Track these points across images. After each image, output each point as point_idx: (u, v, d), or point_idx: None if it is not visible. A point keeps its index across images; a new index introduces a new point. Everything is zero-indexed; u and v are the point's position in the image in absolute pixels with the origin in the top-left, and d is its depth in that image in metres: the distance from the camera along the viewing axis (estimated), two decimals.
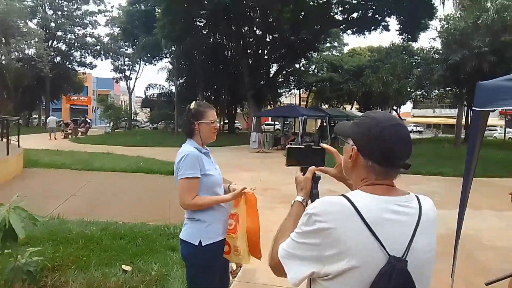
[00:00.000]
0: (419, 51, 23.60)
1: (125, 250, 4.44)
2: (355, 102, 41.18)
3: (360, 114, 21.79)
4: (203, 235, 2.32)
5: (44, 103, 41.18)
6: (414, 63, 25.14)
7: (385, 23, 25.12)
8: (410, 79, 21.54)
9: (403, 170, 1.17)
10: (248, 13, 25.94)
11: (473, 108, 3.05)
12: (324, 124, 22.73)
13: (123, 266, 3.97)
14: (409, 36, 24.98)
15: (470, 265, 4.70)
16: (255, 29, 27.93)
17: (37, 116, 45.15)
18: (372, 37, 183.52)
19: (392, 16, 24.51)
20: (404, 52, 27.15)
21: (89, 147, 19.49)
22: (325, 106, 36.86)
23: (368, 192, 1.13)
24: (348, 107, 41.70)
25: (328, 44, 38.76)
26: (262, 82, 26.36)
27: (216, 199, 2.36)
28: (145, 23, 29.56)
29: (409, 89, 27.25)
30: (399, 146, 1.13)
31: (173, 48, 30.23)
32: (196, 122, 2.37)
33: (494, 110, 3.30)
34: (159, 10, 25.14)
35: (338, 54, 39.79)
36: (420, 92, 29.83)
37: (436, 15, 22.64)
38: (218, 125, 39.68)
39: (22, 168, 9.74)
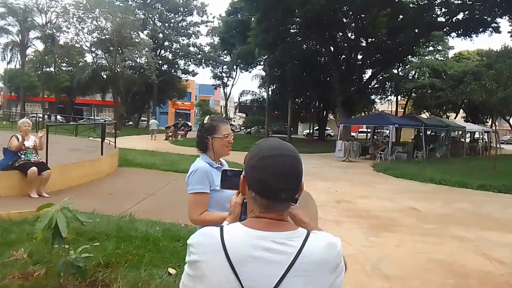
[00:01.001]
0: None
1: (177, 253, 4.63)
2: (461, 110, 37.90)
3: (464, 124, 19.84)
4: None
5: (152, 107, 45.23)
6: None
7: (496, 25, 22.60)
8: None
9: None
10: (341, 18, 25.41)
11: None
12: (421, 134, 21.18)
13: (169, 269, 4.14)
14: None
15: None
16: (348, 33, 27.27)
17: (146, 118, 49.71)
18: (483, 40, 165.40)
19: (504, 16, 21.94)
20: None
21: (184, 149, 20.72)
22: (426, 115, 34.50)
23: (247, 226, 1.06)
24: (452, 115, 38.46)
25: (431, 48, 36.27)
26: (353, 88, 25.55)
27: (224, 215, 2.34)
28: (241, 32, 30.84)
29: None
30: (274, 178, 1.04)
31: (266, 56, 30.97)
32: (209, 136, 2.36)
33: None
34: (253, 19, 25.99)
35: (442, 58, 36.91)
36: None
37: None
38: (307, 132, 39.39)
39: (116, 166, 10.81)
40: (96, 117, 42.61)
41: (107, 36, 35.23)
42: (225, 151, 2.41)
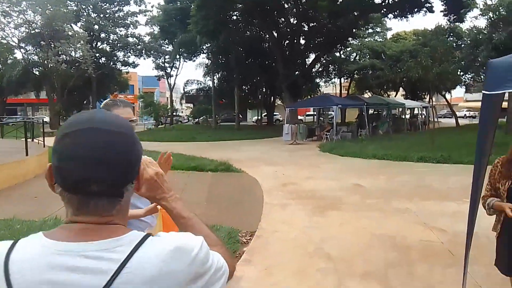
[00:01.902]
0: (467, 31, 21.81)
1: None
2: (401, 88, 39.39)
3: (404, 101, 20.53)
4: None
5: (91, 103, 42.94)
6: (461, 45, 23.39)
7: (429, 4, 23.44)
8: (455, 63, 19.92)
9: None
10: (282, 3, 25.29)
11: (483, 91, 2.55)
12: (363, 113, 21.69)
13: None
14: (455, 17, 23.18)
15: (488, 271, 3.88)
16: (290, 19, 27.25)
17: None
18: (418, 20, 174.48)
19: None
20: (451, 35, 25.34)
21: None
22: (368, 95, 35.56)
23: (50, 236, 0.73)
24: (393, 94, 39.95)
25: (370, 30, 37.30)
26: (297, 73, 25.67)
27: (135, 213, 1.96)
28: (182, 20, 29.80)
29: (459, 73, 25.40)
30: (77, 163, 0.72)
31: (209, 44, 30.29)
32: None
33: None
34: (193, 6, 25.17)
35: (381, 39, 38.10)
36: (470, 76, 27.77)
37: None
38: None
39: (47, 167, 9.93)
40: (32, 117, 39.81)
41: (36, 30, 32.78)
42: None
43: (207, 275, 0.79)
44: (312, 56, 30.45)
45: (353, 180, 9.20)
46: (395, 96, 37.82)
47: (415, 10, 24.60)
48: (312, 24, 27.65)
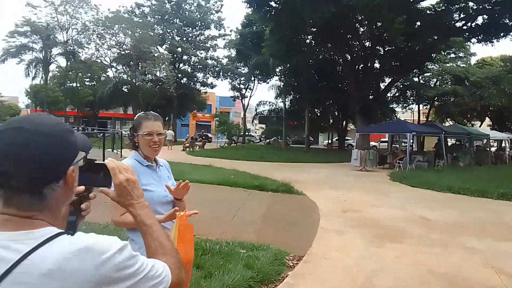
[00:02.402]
0: None
1: None
2: (487, 118, 36.58)
3: (489, 131, 18.88)
4: None
5: (172, 120, 45.67)
6: None
7: None
8: None
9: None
10: (356, 26, 25.05)
11: None
12: (441, 142, 20.34)
13: None
14: None
15: None
16: (365, 42, 26.84)
17: (165, 131, 50.18)
18: (508, 45, 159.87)
19: None
20: None
21: (199, 159, 20.67)
22: (449, 123, 33.47)
23: None
24: (478, 124, 37.14)
25: (452, 55, 35.40)
26: (371, 97, 25.00)
27: None
28: (256, 44, 30.85)
29: None
30: None
31: (281, 66, 30.89)
32: (135, 133, 2.25)
33: None
34: (267, 30, 25.95)
35: (464, 65, 35.88)
36: None
37: None
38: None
39: None
40: (119, 130, 43.31)
41: (126, 51, 35.99)
42: (148, 150, 2.23)
43: (125, 282, 0.81)
44: (387, 80, 29.59)
45: (420, 212, 8.66)
46: (480, 126, 35.09)
47: (501, 34, 22.96)
48: (388, 47, 26.99)
